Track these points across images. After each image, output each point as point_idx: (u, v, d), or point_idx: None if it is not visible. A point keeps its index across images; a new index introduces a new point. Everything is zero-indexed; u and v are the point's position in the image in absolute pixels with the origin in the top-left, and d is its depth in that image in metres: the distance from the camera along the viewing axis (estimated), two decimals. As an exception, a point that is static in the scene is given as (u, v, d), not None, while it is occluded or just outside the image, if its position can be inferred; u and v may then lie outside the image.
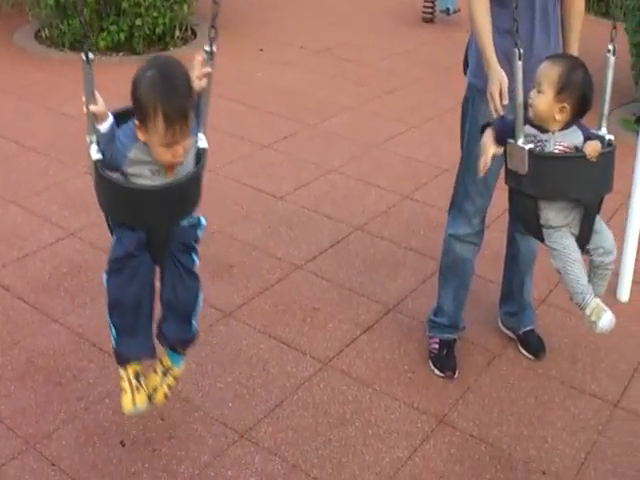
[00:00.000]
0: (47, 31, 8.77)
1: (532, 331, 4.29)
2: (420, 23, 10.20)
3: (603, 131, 3.34)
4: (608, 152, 3.26)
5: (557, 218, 3.34)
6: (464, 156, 3.92)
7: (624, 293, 4.76)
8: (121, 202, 2.87)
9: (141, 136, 2.76)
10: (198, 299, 3.13)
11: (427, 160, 6.41)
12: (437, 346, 4.15)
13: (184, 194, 2.92)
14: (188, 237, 3.05)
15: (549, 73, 3.22)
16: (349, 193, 5.88)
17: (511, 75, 3.27)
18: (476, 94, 3.77)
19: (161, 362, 3.19)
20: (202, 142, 2.94)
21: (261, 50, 8.95)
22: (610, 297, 4.72)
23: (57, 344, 4.16)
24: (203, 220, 3.11)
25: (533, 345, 4.26)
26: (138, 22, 8.40)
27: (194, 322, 3.17)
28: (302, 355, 4.17)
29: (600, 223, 3.40)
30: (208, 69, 2.89)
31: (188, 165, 2.88)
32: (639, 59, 7.03)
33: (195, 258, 3.10)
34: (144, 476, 3.43)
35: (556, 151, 3.24)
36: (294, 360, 4.14)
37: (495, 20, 3.56)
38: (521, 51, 3.17)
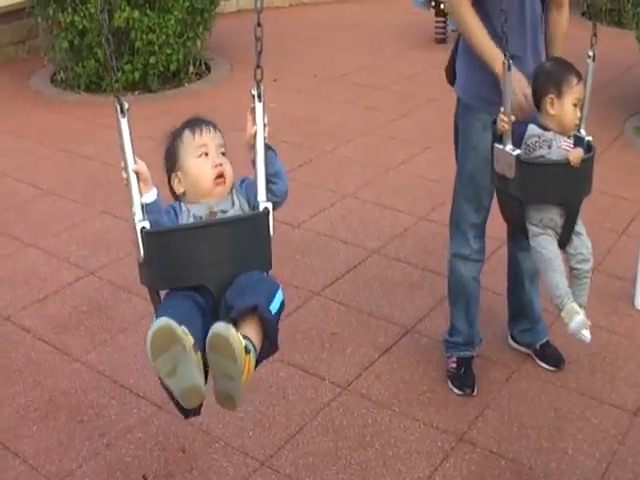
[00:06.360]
0: (62, 74, 8.90)
1: (548, 342, 4.28)
2: (433, 44, 10.20)
3: (582, 132, 3.50)
4: (589, 158, 3.42)
5: (540, 218, 3.51)
6: (457, 174, 3.94)
7: (642, 301, 4.73)
8: (181, 255, 2.47)
9: (178, 185, 2.71)
10: (277, 290, 2.53)
11: (442, 179, 6.37)
12: (455, 365, 4.15)
13: (242, 241, 2.54)
14: None
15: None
16: (365, 217, 5.90)
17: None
18: (466, 111, 3.80)
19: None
20: (264, 203, 2.58)
21: (275, 80, 9.01)
22: (627, 305, 4.73)
23: (78, 383, 4.20)
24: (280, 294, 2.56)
25: (553, 357, 4.25)
26: (152, 60, 8.48)
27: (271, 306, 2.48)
28: (321, 381, 4.19)
29: (580, 226, 3.59)
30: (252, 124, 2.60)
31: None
32: (650, 67, 7.02)
33: None
34: (166, 509, 3.46)
35: (563, 147, 3.40)
36: (313, 386, 4.15)
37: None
38: (510, 62, 3.29)
